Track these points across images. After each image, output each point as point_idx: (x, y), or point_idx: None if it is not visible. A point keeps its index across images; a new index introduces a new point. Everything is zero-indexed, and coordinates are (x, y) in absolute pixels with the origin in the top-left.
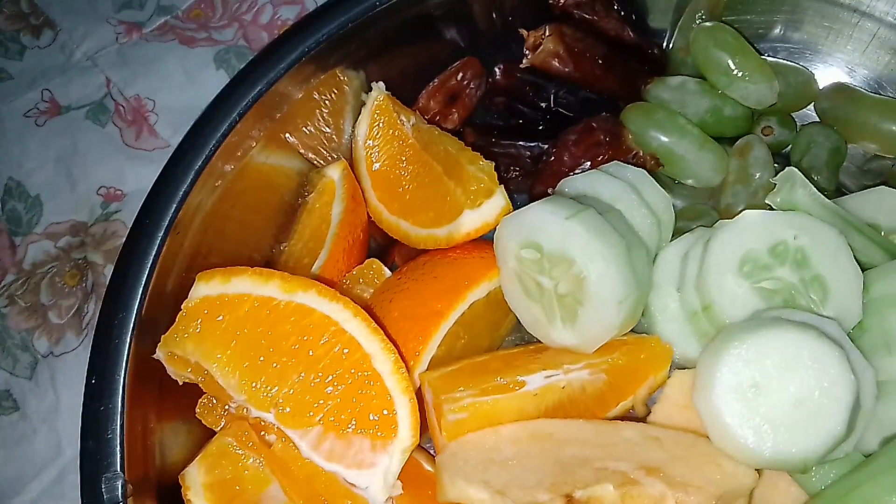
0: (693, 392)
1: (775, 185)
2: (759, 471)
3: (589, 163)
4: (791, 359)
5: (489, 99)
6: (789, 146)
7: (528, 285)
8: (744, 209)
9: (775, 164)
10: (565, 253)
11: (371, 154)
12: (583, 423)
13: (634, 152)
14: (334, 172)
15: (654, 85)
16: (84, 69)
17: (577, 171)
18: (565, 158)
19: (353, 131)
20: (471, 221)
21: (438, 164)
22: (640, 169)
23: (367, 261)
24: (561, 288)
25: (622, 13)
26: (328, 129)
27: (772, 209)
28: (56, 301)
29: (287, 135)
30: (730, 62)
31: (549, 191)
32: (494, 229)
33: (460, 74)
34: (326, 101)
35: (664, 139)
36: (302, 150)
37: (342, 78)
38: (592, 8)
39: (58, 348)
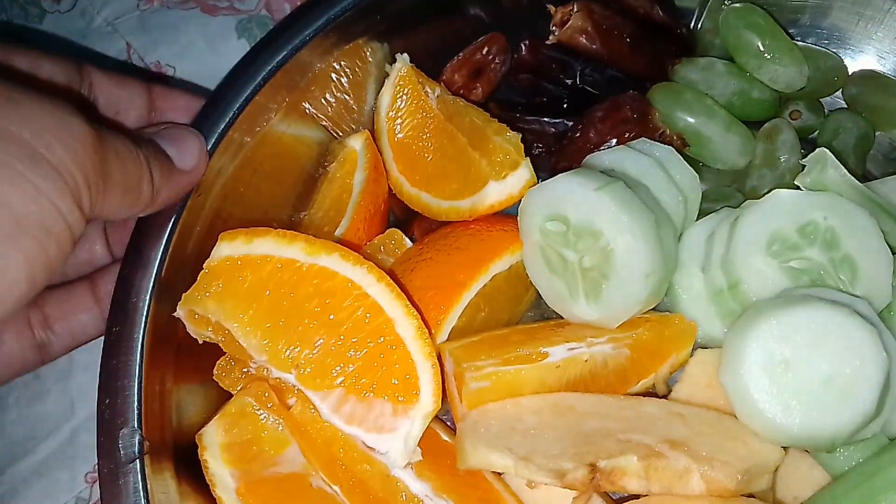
0: (719, 369)
1: (802, 168)
2: (785, 449)
3: (615, 140)
4: (822, 336)
5: (514, 75)
6: (816, 132)
7: (552, 259)
8: (771, 190)
9: (802, 150)
10: (592, 225)
11: (394, 125)
12: (604, 397)
13: (661, 131)
14: (356, 142)
15: (682, 65)
16: (104, 34)
17: (602, 148)
18: (591, 135)
19: (375, 102)
20: (495, 193)
21: (463, 135)
22: (668, 146)
23: (388, 230)
24: (586, 261)
25: None
26: (350, 100)
27: (801, 190)
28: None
29: (308, 105)
30: (759, 44)
31: (575, 167)
32: (519, 203)
33: (485, 49)
34: (349, 72)
35: (691, 120)
36: (324, 122)
37: (365, 49)
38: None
39: None
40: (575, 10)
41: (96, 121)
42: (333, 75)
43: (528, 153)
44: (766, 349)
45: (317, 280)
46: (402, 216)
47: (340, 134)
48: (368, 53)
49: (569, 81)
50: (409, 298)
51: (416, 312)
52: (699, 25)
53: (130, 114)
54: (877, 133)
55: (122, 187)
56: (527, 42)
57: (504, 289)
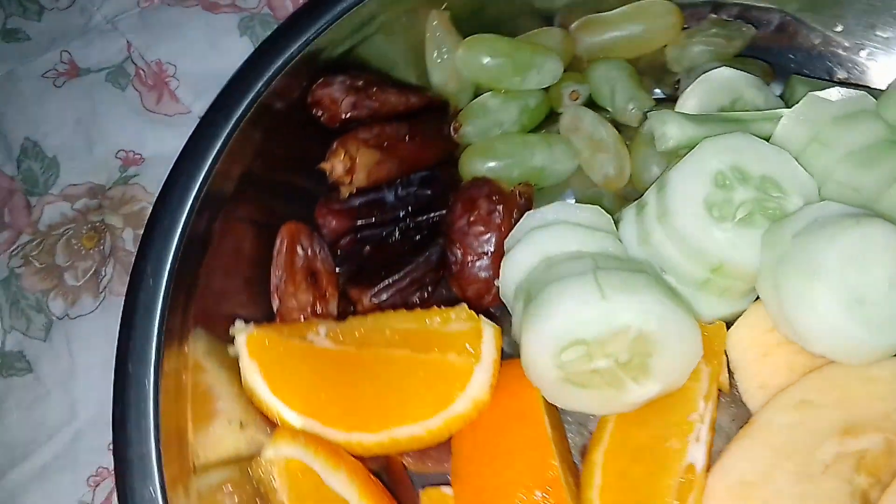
0: (779, 326)
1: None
2: None
3: (493, 234)
4: (874, 248)
5: (337, 249)
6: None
7: (581, 380)
8: (618, 172)
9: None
10: (615, 329)
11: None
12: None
13: (513, 191)
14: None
15: (461, 125)
16: (104, 32)
17: (488, 248)
18: (474, 246)
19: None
20: (480, 381)
21: (401, 347)
22: (564, 203)
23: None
24: (623, 357)
25: (393, 81)
26: None
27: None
28: (72, 262)
29: None
30: (510, 62)
31: (496, 283)
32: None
33: (296, 248)
34: None
35: (517, 160)
36: None
37: None
38: (368, 95)
39: (73, 310)
40: (344, 152)
41: None
42: None
43: (424, 301)
44: (837, 281)
45: None
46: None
47: None
48: None
49: (397, 214)
50: None
51: None
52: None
53: None
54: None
55: None
56: (321, 211)
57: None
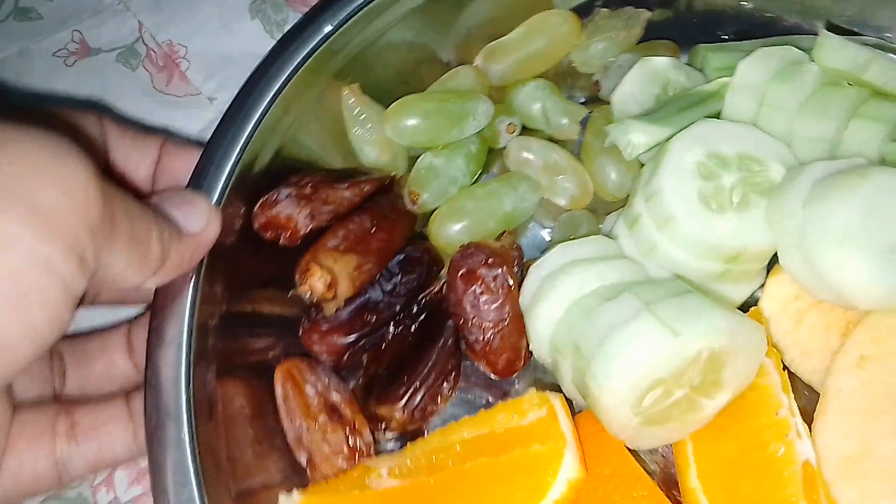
0: (817, 293)
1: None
2: None
3: (505, 298)
4: (886, 200)
5: (341, 369)
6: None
7: (661, 417)
8: (582, 189)
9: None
10: (690, 359)
11: None
12: None
13: (501, 245)
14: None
15: (417, 195)
16: (116, 12)
17: (506, 314)
18: (491, 318)
19: None
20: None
21: (477, 457)
22: (564, 245)
23: None
24: (696, 381)
25: (334, 177)
26: None
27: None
28: None
29: None
30: (443, 117)
31: (523, 345)
32: None
33: (303, 389)
34: None
35: (489, 211)
36: None
37: None
38: (322, 200)
39: None
40: (319, 269)
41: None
42: None
43: (452, 389)
44: (866, 237)
45: None
46: None
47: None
48: None
49: (395, 311)
50: None
51: None
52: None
53: (140, 171)
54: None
55: (130, 238)
56: (312, 337)
57: None
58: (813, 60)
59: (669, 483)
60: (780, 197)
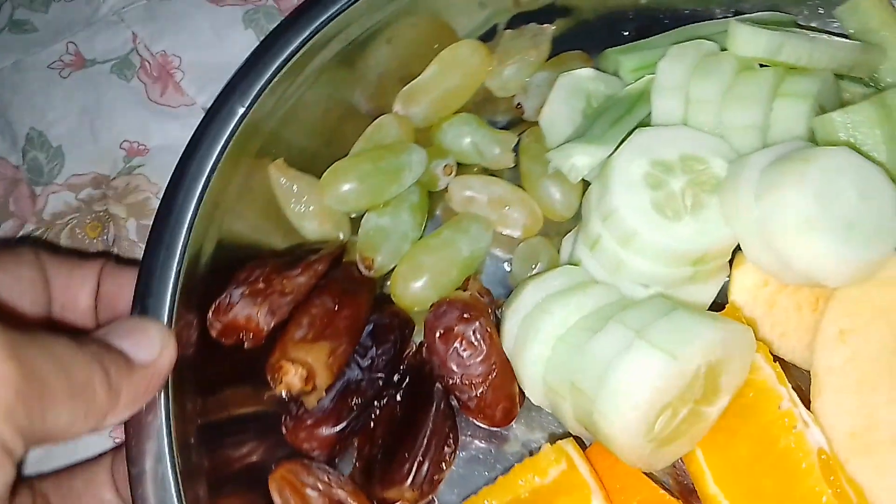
0: (784, 277)
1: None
2: None
3: (488, 348)
4: (835, 178)
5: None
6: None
7: (670, 437)
8: (532, 216)
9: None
10: (691, 377)
11: None
12: None
13: (473, 295)
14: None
15: (371, 259)
16: (110, 23)
17: (492, 364)
18: (479, 372)
19: None
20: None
21: None
22: (536, 281)
23: None
24: (699, 394)
25: (283, 263)
26: None
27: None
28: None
29: None
30: (379, 176)
31: (517, 391)
32: None
33: (304, 494)
34: None
35: (449, 261)
36: None
37: None
38: (278, 291)
39: None
40: (291, 365)
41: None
42: None
43: (454, 452)
44: (826, 217)
45: None
46: None
47: None
48: None
49: (373, 385)
50: None
51: None
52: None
53: (81, 302)
54: None
55: (68, 393)
56: (299, 435)
57: None
58: (725, 49)
59: (685, 492)
60: (731, 193)
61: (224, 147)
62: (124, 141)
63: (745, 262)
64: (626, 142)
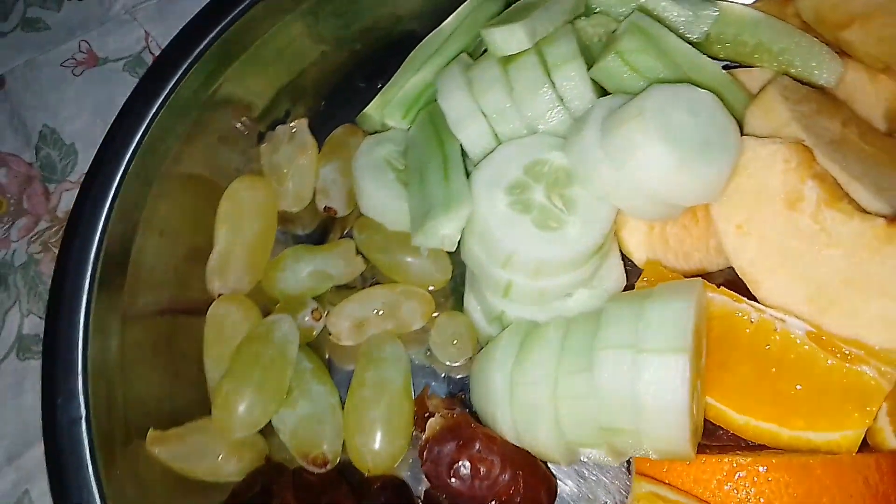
0: (656, 217)
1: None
2: None
3: (464, 450)
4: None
5: None
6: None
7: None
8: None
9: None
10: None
11: None
12: None
13: (441, 414)
14: None
15: (319, 454)
16: (122, 22)
17: (499, 479)
18: (485, 496)
19: None
20: None
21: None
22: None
23: None
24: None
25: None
26: None
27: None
28: None
29: None
30: (272, 390)
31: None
32: None
33: None
34: None
35: (393, 410)
36: None
37: None
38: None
39: None
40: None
41: None
42: None
43: None
44: (672, 143)
45: None
46: None
47: None
48: None
49: None
50: None
51: None
52: None
53: None
54: None
55: None
56: None
57: None
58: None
59: (707, 433)
60: (584, 162)
61: None
62: None
63: (625, 224)
64: (471, 189)
